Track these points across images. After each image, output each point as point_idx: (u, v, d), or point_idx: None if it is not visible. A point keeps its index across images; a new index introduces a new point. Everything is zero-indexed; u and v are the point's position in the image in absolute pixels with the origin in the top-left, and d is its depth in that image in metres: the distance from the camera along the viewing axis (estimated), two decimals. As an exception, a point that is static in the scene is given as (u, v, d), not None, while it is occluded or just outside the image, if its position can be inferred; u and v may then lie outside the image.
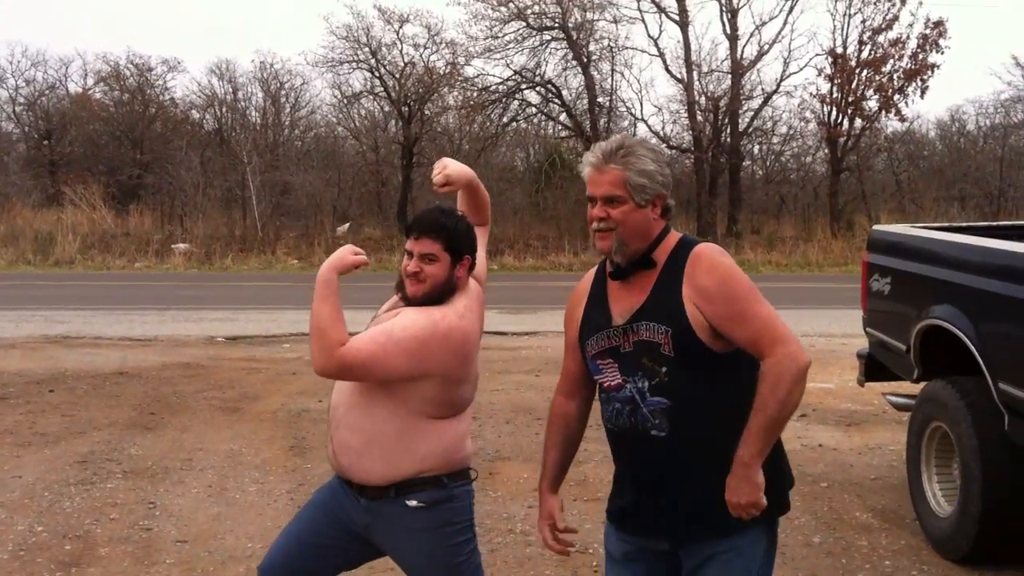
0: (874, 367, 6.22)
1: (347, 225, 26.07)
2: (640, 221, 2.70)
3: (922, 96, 25.41)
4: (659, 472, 2.71)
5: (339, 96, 28.62)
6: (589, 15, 26.23)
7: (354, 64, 26.98)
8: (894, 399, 5.96)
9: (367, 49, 26.58)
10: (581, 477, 5.91)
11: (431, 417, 3.07)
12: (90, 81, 32.48)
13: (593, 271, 2.92)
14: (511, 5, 25.77)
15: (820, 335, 12.28)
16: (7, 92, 31.97)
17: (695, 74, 26.44)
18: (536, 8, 25.98)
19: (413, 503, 3.08)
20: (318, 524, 3.27)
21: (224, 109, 30.35)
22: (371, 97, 28.13)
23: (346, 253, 3.10)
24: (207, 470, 6.54)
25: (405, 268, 3.09)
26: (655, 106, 43.02)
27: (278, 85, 29.98)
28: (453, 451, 3.12)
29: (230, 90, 30.10)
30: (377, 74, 26.92)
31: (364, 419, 3.06)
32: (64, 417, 7.94)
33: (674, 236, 2.78)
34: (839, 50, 25.73)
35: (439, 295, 3.07)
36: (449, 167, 3.37)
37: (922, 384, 5.49)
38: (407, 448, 3.06)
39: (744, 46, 26.28)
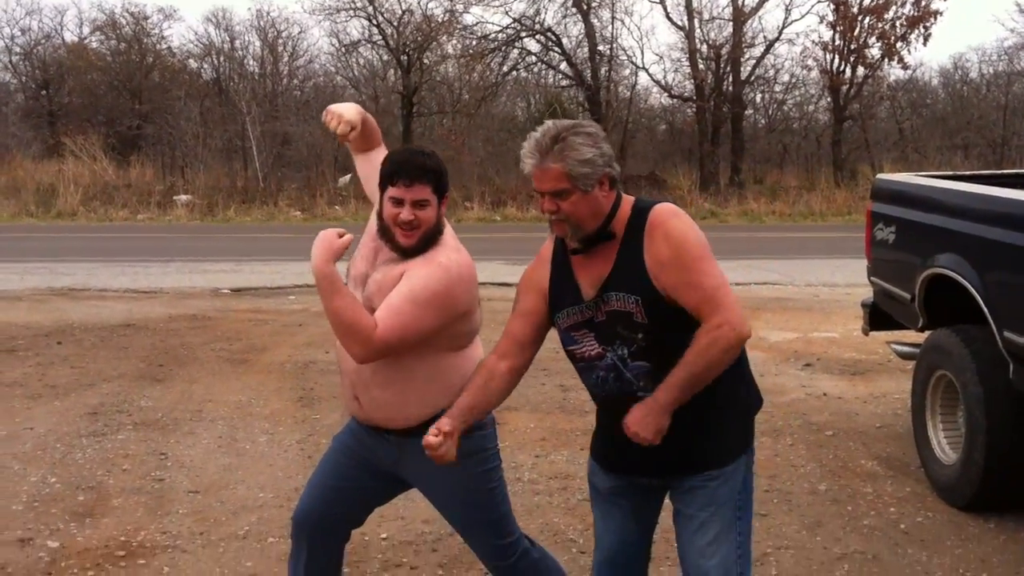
0: (878, 316, 6.24)
1: (348, 176, 25.95)
2: (590, 205, 2.72)
3: (925, 43, 25.34)
4: None
5: (337, 45, 28.41)
6: (590, -39, 25.97)
7: (351, 12, 26.73)
8: (899, 348, 5.99)
9: (364, -4, 26.33)
10: (588, 427, 5.96)
11: (455, 350, 3.11)
12: (86, 30, 32.27)
13: (551, 240, 2.92)
14: (510, -50, 25.51)
15: (824, 284, 12.33)
16: (2, 42, 31.77)
17: (696, 21, 26.21)
18: (536, -46, 25.74)
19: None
20: (344, 468, 3.31)
21: (222, 58, 30.09)
22: (369, 46, 27.91)
23: (331, 239, 2.95)
24: (217, 421, 6.60)
25: (395, 217, 2.99)
26: (656, 54, 42.95)
27: (275, 34, 29.72)
28: None
29: (227, 39, 29.86)
30: (375, 22, 26.68)
31: (394, 372, 3.06)
32: (73, 369, 7.99)
33: (627, 203, 2.81)
34: (841, -4, 25.50)
35: (431, 238, 3.04)
36: (344, 113, 3.23)
37: (927, 333, 5.52)
38: (441, 385, 3.09)
39: (746, -8, 26.06)
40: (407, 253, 3.03)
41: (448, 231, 3.12)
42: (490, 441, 3.24)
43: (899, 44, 25.23)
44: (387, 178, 3.02)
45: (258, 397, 7.16)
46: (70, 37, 32.46)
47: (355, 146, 3.42)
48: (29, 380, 7.62)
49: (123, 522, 4.88)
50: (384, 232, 3.07)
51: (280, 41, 29.91)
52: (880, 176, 6.86)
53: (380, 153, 3.32)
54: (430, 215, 3.01)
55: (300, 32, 30.12)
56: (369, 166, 3.34)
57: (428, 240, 3.03)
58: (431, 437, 2.76)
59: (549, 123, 2.76)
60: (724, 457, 2.85)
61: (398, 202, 2.99)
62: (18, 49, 31.86)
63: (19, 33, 31.80)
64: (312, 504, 3.33)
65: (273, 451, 6.01)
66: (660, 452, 2.76)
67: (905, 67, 26.17)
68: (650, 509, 3.05)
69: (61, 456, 5.87)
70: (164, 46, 31.24)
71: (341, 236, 2.96)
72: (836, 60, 26.15)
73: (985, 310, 4.72)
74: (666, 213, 2.77)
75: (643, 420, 2.68)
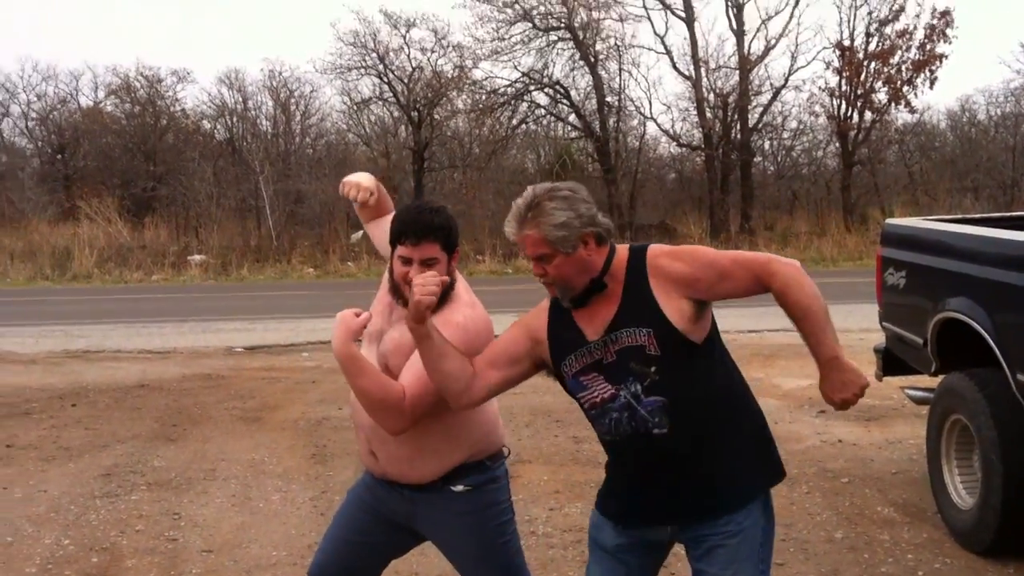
0: (891, 361, 6.21)
1: (360, 232, 26.12)
2: (575, 265, 2.77)
3: (931, 87, 25.34)
4: (665, 467, 2.78)
5: (348, 103, 28.70)
6: (595, 14, 26.19)
7: (362, 70, 27.07)
8: (913, 393, 5.96)
9: (375, 55, 26.67)
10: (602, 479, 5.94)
11: None
12: (101, 94, 32.66)
13: (547, 302, 2.94)
14: (516, 6, 25.82)
15: (837, 330, 12.24)
16: (19, 107, 32.23)
17: (703, 71, 26.39)
18: (542, 8, 26.02)
19: (459, 487, 3.12)
20: (359, 522, 3.30)
21: (235, 119, 30.42)
22: (380, 103, 28.19)
23: (349, 320, 2.92)
24: (230, 480, 6.59)
25: (405, 275, 2.95)
26: (664, 104, 42.90)
27: (288, 93, 30.05)
28: (491, 433, 3.18)
29: (240, 99, 30.19)
30: (386, 79, 27.00)
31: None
32: (87, 431, 8.01)
33: (623, 250, 2.86)
34: (846, 43, 25.66)
35: (443, 294, 2.99)
36: (362, 181, 3.27)
37: (940, 377, 5.49)
38: (456, 441, 3.09)
39: (751, 41, 26.28)
40: None
41: (462, 285, 3.13)
42: (503, 494, 3.23)
43: (905, 88, 25.36)
44: (395, 237, 3.00)
45: (271, 455, 7.16)
46: (85, 101, 32.92)
47: (368, 214, 3.44)
48: (44, 442, 7.64)
49: (136, 584, 4.88)
50: (396, 290, 3.07)
51: (292, 100, 30.25)
52: (889, 221, 6.84)
53: (390, 218, 3.35)
54: (440, 273, 2.98)
55: (312, 91, 30.37)
56: (380, 230, 3.36)
57: (440, 297, 3.01)
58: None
59: (528, 189, 2.81)
60: (742, 499, 2.82)
61: (407, 261, 2.97)
62: (34, 114, 32.38)
63: (35, 99, 32.33)
64: (327, 558, 3.32)
65: (287, 509, 6.00)
66: (677, 499, 2.77)
67: (912, 111, 26.30)
68: (655, 567, 3.02)
69: (75, 518, 5.87)
70: (178, 108, 31.63)
71: (358, 315, 2.93)
72: (843, 105, 26.27)
73: (998, 353, 4.70)
74: (660, 247, 2.86)
75: (843, 383, 2.66)
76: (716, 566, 2.81)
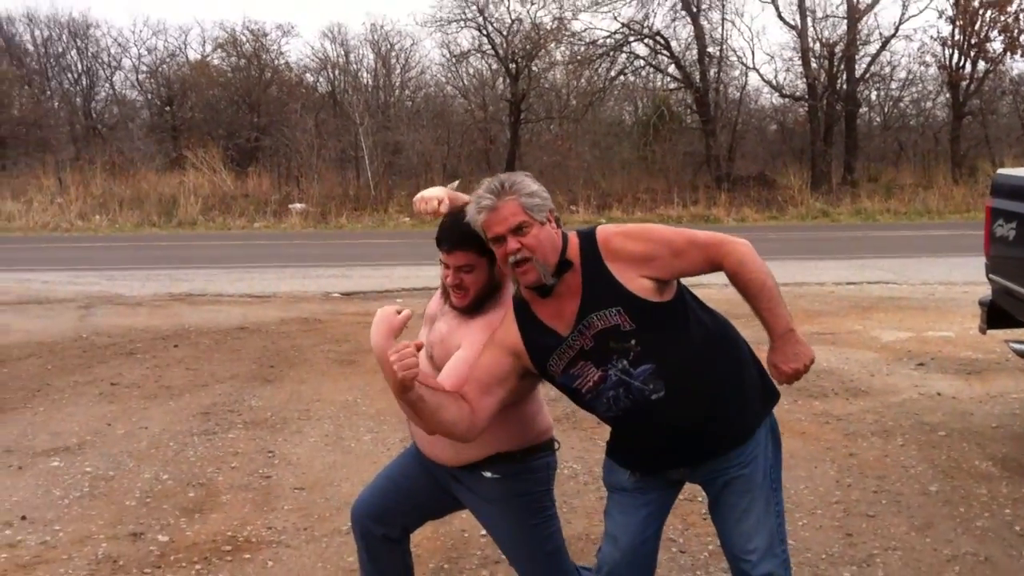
0: (997, 315, 6.02)
1: (456, 182, 26.13)
2: (548, 236, 2.83)
3: (1050, 35, 24.31)
4: (671, 427, 2.84)
5: (448, 55, 28.82)
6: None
7: (462, 23, 27.11)
8: (1017, 347, 5.80)
9: (474, 7, 26.64)
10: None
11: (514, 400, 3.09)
12: (208, 48, 33.38)
13: (512, 313, 2.95)
14: (618, -44, 25.44)
15: (940, 283, 11.95)
16: (130, 61, 33.11)
17: (809, 20, 25.79)
18: (644, -43, 25.61)
19: (488, 474, 3.15)
20: (412, 469, 3.36)
21: (337, 72, 30.79)
22: (479, 55, 28.23)
23: (390, 318, 2.83)
24: (324, 420, 6.72)
25: (445, 279, 3.03)
26: (767, 54, 42.30)
27: (388, 46, 30.28)
28: (527, 430, 3.17)
29: (342, 53, 30.54)
30: (484, 32, 26.97)
31: None
32: (188, 371, 8.24)
33: (573, 236, 2.93)
34: (961, -9, 24.74)
35: (485, 296, 3.04)
36: (437, 195, 3.19)
37: (1047, 330, 5.31)
38: (499, 430, 3.07)
39: (861, -10, 25.47)
40: (462, 312, 3.05)
41: (509, 289, 3.09)
42: (538, 485, 3.24)
43: (1022, 37, 24.33)
44: (437, 241, 3.04)
45: (364, 397, 7.27)
46: (193, 55, 33.75)
47: None
48: (146, 381, 7.88)
49: (230, 517, 5.00)
50: (444, 288, 3.13)
51: (393, 54, 30.46)
52: (1001, 171, 6.59)
53: None
54: (478, 278, 3.00)
55: (412, 44, 30.73)
56: None
57: (482, 299, 3.04)
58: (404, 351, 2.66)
59: (487, 179, 2.90)
60: (748, 431, 2.92)
61: (446, 266, 3.02)
62: (145, 68, 33.21)
63: (146, 52, 33.15)
64: (371, 498, 3.41)
65: (377, 449, 6.08)
66: (685, 448, 2.86)
67: (1029, 60, 25.28)
68: (669, 503, 3.10)
69: (174, 454, 6.04)
70: (282, 61, 32.21)
71: (399, 312, 2.87)
72: (955, 55, 25.40)
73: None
74: (609, 227, 2.94)
75: (793, 355, 2.81)
76: (734, 496, 2.94)
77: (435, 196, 3.18)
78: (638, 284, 2.80)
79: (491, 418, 2.90)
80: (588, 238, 2.89)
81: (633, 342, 2.78)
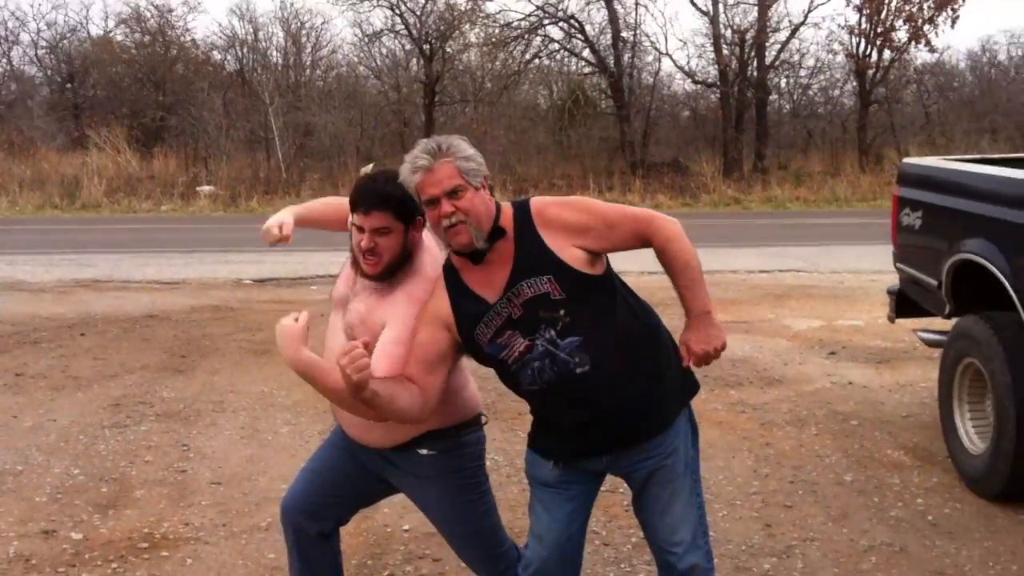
0: (905, 303, 6.16)
1: (370, 165, 25.98)
2: (483, 201, 2.83)
3: (952, 26, 25.04)
4: (594, 404, 2.85)
5: (360, 35, 28.50)
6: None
7: (375, 1, 26.73)
8: (925, 335, 5.91)
9: (388, -15, 26.30)
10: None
11: None
12: (111, 23, 32.51)
13: (442, 281, 2.96)
14: (533, -63, 25.37)
15: (849, 271, 12.22)
16: (29, 36, 32.06)
17: (721, 6, 26.08)
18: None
19: (424, 451, 3.14)
20: (338, 459, 3.32)
21: (245, 50, 30.16)
22: (392, 35, 27.89)
23: (291, 329, 2.84)
24: (239, 412, 6.60)
25: (358, 244, 2.96)
26: (680, 40, 42.64)
27: (299, 24, 29.78)
28: (457, 405, 3.16)
29: (251, 30, 29.91)
30: (398, 12, 26.67)
31: None
32: (96, 360, 8.02)
33: (506, 206, 2.94)
34: (868, -22, 25.23)
35: (398, 265, 2.99)
36: (277, 221, 3.24)
37: (954, 320, 5.43)
38: None
39: (772, -24, 25.82)
40: (372, 279, 3.00)
41: (428, 256, 3.07)
42: (471, 460, 3.24)
43: (926, 27, 25.02)
44: (350, 205, 2.99)
45: (280, 388, 7.16)
46: (95, 31, 32.66)
47: (315, 226, 3.51)
48: (53, 372, 7.65)
49: (146, 513, 4.89)
50: (354, 260, 3.06)
51: (303, 32, 29.98)
52: (907, 160, 6.74)
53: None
54: (392, 243, 2.95)
55: (323, 23, 30.30)
56: (332, 214, 3.48)
57: (395, 267, 2.98)
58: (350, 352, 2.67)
59: (424, 139, 2.90)
60: (667, 419, 2.96)
61: (359, 229, 2.95)
62: (44, 43, 32.13)
63: (45, 27, 32.21)
64: (299, 493, 3.36)
65: (295, 442, 6.00)
66: (609, 429, 2.87)
67: (932, 50, 25.98)
68: (592, 497, 3.13)
69: (84, 448, 5.88)
70: (188, 38, 31.31)
71: (297, 320, 2.85)
72: (862, 43, 25.95)
73: (1014, 296, 4.64)
74: (543, 199, 2.97)
75: (707, 336, 2.84)
76: (656, 487, 2.98)
77: (275, 223, 3.21)
78: (570, 254, 2.82)
79: (439, 395, 2.91)
80: (522, 207, 2.91)
81: (562, 312, 2.79)
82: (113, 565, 4.32)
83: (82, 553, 4.44)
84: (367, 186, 2.98)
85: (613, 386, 2.83)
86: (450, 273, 2.94)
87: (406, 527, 4.66)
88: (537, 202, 2.93)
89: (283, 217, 3.29)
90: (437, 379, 2.90)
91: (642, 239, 2.89)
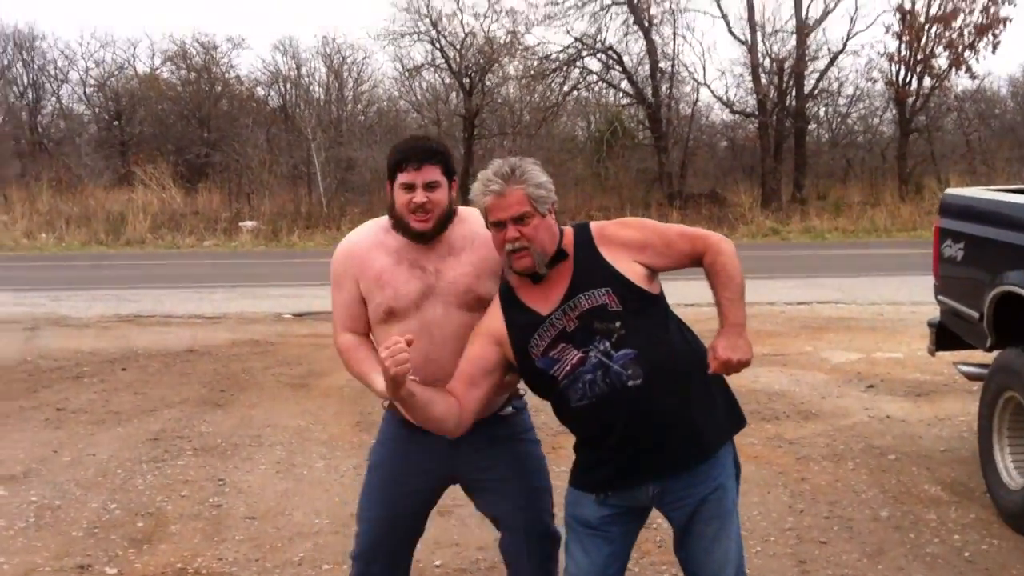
0: (945, 336, 6.07)
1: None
2: (548, 228, 2.90)
3: (993, 52, 24.87)
4: (645, 420, 2.83)
5: (401, 69, 28.71)
6: (650, -23, 25.89)
7: (415, 36, 27.02)
8: (966, 369, 5.83)
9: (428, 20, 26.59)
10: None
11: None
12: (157, 61, 32.99)
13: (498, 300, 3.01)
14: (570, -30, 25.53)
15: (888, 303, 12.09)
16: (78, 74, 32.64)
17: (759, 35, 26.04)
18: (596, -29, 25.73)
19: (507, 411, 3.22)
20: (397, 495, 3.27)
21: (288, 85, 30.54)
22: (432, 69, 28.15)
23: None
24: (275, 446, 6.64)
25: (408, 203, 3.00)
26: (718, 70, 42.74)
27: (341, 60, 30.11)
28: None
29: (294, 66, 30.31)
30: (438, 45, 26.91)
31: None
32: (136, 395, 8.12)
33: (567, 229, 3.00)
34: (907, 5, 25.13)
35: (446, 222, 3.07)
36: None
37: (995, 353, 5.36)
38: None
39: (809, 5, 26.20)
40: (423, 238, 3.05)
41: (466, 211, 3.17)
42: (530, 421, 3.36)
43: (967, 53, 24.83)
44: (395, 167, 3.04)
45: (316, 422, 7.20)
46: (142, 68, 33.32)
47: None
48: (94, 406, 7.75)
49: (180, 548, 4.93)
50: (398, 225, 3.08)
51: (345, 67, 30.30)
52: (949, 191, 6.65)
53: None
54: (441, 197, 3.03)
55: (365, 57, 30.57)
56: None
57: (444, 223, 3.06)
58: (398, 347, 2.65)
59: (498, 160, 2.94)
60: (714, 445, 2.95)
61: (409, 187, 3.01)
62: (92, 81, 32.78)
63: (94, 65, 32.73)
64: (367, 545, 3.29)
65: (330, 476, 6.02)
66: (660, 450, 2.85)
67: (973, 77, 25.75)
68: (633, 538, 3.11)
69: (122, 482, 5.94)
70: (232, 75, 31.85)
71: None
72: (902, 71, 25.79)
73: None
74: (602, 221, 3.04)
75: (735, 346, 2.82)
76: (702, 524, 2.95)
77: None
78: (629, 267, 2.89)
79: (477, 411, 2.95)
80: (583, 229, 2.98)
81: (618, 324, 2.82)
82: (147, 600, 4.36)
83: (117, 588, 4.48)
84: (413, 144, 3.07)
85: (664, 402, 2.82)
86: (506, 291, 2.99)
87: (438, 563, 4.66)
88: (596, 223, 3.00)
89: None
90: (478, 394, 2.93)
91: (696, 255, 2.95)
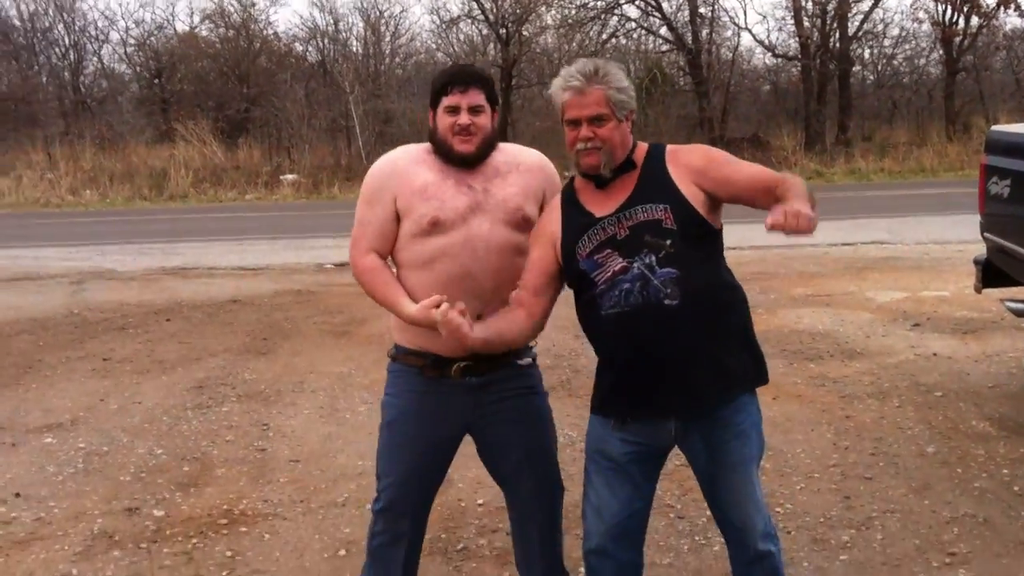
0: (992, 273, 6.00)
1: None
2: (622, 133, 2.88)
3: (1044, -11, 24.10)
4: (673, 343, 2.77)
5: (437, 21, 28.57)
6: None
7: (451, -13, 26.79)
8: (1013, 305, 5.76)
9: (464, -30, 26.36)
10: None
11: None
12: (196, 19, 33.09)
13: (557, 200, 3.01)
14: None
15: (934, 242, 11.91)
16: (118, 34, 32.81)
17: (802, -24, 25.51)
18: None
19: (525, 360, 3.21)
20: (422, 450, 3.21)
21: (326, 40, 30.52)
22: (469, 20, 27.97)
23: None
24: (318, 392, 6.69)
25: (452, 125, 3.00)
26: (759, 14, 41.86)
27: (378, 14, 30.01)
28: None
29: (331, 21, 30.33)
30: (474, -4, 26.69)
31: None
32: (181, 345, 8.21)
33: (642, 144, 2.97)
34: (954, -58, 24.50)
35: (488, 148, 3.06)
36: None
37: (1043, 288, 5.27)
38: None
39: (853, -55, 25.23)
40: (467, 161, 3.03)
41: (506, 144, 3.19)
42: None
43: (1016, -9, 24.14)
44: (440, 91, 3.03)
45: (359, 368, 7.24)
46: (181, 27, 33.44)
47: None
48: (139, 356, 7.85)
49: (226, 491, 4.98)
50: (440, 149, 3.06)
51: (382, 21, 30.18)
52: (994, 128, 6.51)
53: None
54: (485, 121, 3.04)
55: (402, 11, 30.61)
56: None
57: (488, 148, 3.06)
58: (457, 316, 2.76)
59: (582, 60, 2.93)
60: (737, 385, 2.89)
61: (454, 110, 3.00)
62: (132, 40, 32.94)
63: (134, 25, 32.92)
64: (400, 500, 3.23)
65: (373, 421, 5.97)
66: (682, 381, 2.78)
67: (1022, 15, 25.05)
68: (657, 473, 3.06)
69: (168, 428, 6.02)
70: (270, 31, 31.88)
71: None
72: (948, 11, 25.19)
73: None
74: (677, 145, 2.99)
75: (802, 205, 2.53)
76: (727, 468, 2.91)
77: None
78: (692, 191, 2.83)
79: (547, 315, 3.00)
80: (657, 146, 2.96)
81: (668, 242, 2.77)
82: (193, 540, 4.41)
83: (163, 529, 4.54)
84: (460, 68, 3.09)
85: (694, 330, 2.76)
86: (568, 191, 2.99)
87: (480, 501, 4.68)
88: (672, 146, 2.97)
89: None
90: (544, 301, 2.96)
91: (769, 191, 2.73)
